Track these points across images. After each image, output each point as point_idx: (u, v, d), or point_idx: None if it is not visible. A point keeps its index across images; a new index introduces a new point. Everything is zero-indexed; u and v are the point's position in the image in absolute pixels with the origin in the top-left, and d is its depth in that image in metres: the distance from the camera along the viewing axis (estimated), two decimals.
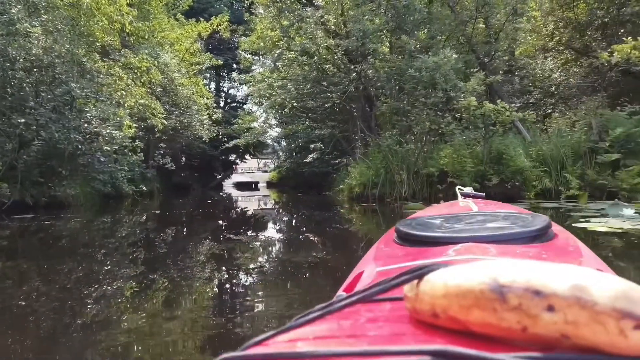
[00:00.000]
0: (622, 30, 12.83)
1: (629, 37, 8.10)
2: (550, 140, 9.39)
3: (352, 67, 10.08)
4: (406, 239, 0.91)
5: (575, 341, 0.30)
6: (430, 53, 8.24)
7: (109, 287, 2.90)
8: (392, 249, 0.91)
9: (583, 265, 0.59)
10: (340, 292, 0.82)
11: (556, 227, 0.95)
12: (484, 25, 11.08)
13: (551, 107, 14.20)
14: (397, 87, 9.53)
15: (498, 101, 8.24)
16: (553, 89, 15.85)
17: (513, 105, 8.23)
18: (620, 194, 7.92)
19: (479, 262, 0.39)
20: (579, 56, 14.85)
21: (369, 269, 0.81)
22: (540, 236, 0.84)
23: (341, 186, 11.62)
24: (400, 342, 0.38)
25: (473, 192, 1.95)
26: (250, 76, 15.22)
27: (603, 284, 0.31)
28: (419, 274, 0.41)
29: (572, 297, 0.31)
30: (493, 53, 11.11)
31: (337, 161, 14.22)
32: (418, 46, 8.55)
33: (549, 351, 0.31)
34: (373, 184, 9.97)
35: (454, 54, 7.86)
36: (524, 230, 0.84)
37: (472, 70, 9.85)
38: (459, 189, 1.89)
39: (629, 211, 4.88)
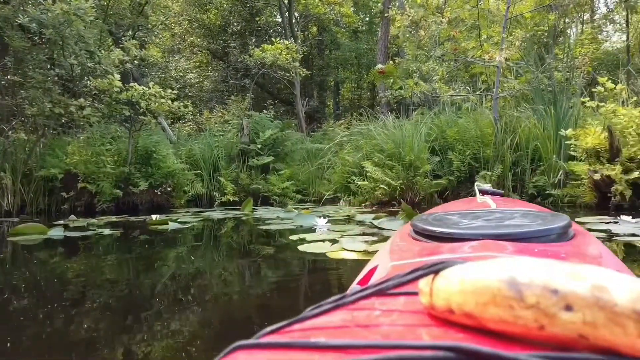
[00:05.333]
0: (253, 39, 13.50)
1: (277, 39, 8.04)
2: (202, 140, 8.39)
3: None
4: (422, 234, 0.88)
5: (593, 342, 0.30)
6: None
7: None
8: (407, 244, 0.88)
9: (603, 266, 0.52)
10: (355, 285, 0.82)
11: (576, 227, 0.91)
12: None
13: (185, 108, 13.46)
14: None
15: (151, 84, 6.52)
16: (187, 90, 15.39)
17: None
18: (273, 198, 7.69)
19: (497, 259, 0.38)
20: (214, 59, 14.92)
21: (384, 263, 0.79)
22: (560, 235, 0.81)
23: None
24: (415, 337, 0.37)
25: (491, 189, 1.73)
26: None
27: (623, 285, 0.30)
28: (435, 269, 0.40)
29: (592, 297, 0.30)
30: (134, 29, 9.22)
31: None
32: None
33: (566, 351, 0.31)
34: None
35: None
36: (543, 228, 0.80)
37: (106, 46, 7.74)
38: (477, 185, 1.73)
39: (322, 221, 4.19)
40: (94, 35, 6.24)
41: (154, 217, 5.06)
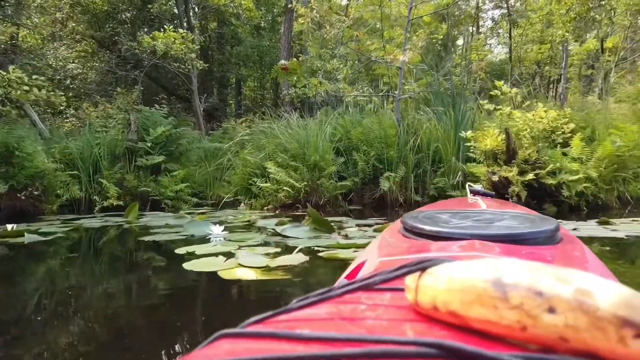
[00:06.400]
0: (146, 29, 12.36)
1: (170, 27, 7.26)
2: (80, 137, 7.35)
3: None
4: (412, 231, 0.88)
5: (574, 345, 0.30)
6: None
7: None
8: (396, 240, 0.89)
9: (588, 271, 0.47)
10: (342, 279, 0.87)
11: (564, 231, 0.91)
12: None
13: (65, 103, 11.94)
14: None
15: (11, 68, 5.44)
16: (69, 81, 13.75)
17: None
18: (164, 202, 6.92)
19: (484, 260, 0.38)
20: (100, 48, 13.43)
21: (372, 258, 0.79)
22: (547, 239, 0.81)
23: None
24: (398, 332, 0.37)
25: (483, 190, 1.78)
26: None
27: (606, 291, 0.31)
28: (422, 266, 0.41)
29: (575, 301, 0.30)
30: None
31: None
32: None
33: (547, 353, 0.31)
34: None
35: None
36: (531, 231, 0.80)
37: None
38: (469, 185, 1.77)
39: (218, 229, 3.65)
40: None
41: (9, 227, 4.14)
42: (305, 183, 6.30)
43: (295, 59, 8.62)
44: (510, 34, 15.49)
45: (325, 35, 7.56)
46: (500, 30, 18.45)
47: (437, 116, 7.07)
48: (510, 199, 5.35)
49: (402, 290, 0.44)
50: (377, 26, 8.49)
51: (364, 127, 6.90)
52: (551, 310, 0.31)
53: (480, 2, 17.52)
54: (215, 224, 3.76)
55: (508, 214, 1.04)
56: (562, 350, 0.31)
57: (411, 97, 7.90)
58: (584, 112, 6.50)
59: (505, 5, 17.08)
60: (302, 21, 8.00)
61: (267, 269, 2.24)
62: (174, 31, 7.73)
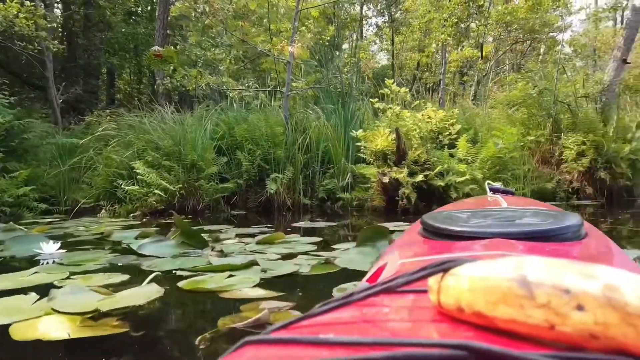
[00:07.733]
0: None
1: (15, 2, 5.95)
2: None
3: None
4: (432, 232, 0.86)
5: (605, 342, 0.29)
6: None
7: None
8: (417, 242, 0.88)
9: (615, 266, 0.49)
10: (363, 283, 0.83)
11: (588, 226, 0.89)
12: None
13: None
14: None
15: None
16: None
17: None
18: (1, 210, 5.63)
19: (508, 258, 0.37)
20: None
21: (393, 261, 0.78)
22: (571, 234, 0.78)
23: None
24: (424, 334, 0.37)
25: (502, 187, 1.69)
26: None
27: (635, 285, 0.30)
28: (445, 267, 0.40)
29: (603, 297, 0.29)
30: None
31: None
32: None
33: (576, 351, 0.30)
34: None
35: None
36: (554, 227, 0.77)
37: None
38: (488, 183, 1.71)
39: (51, 247, 2.78)
40: None
41: None
42: (181, 185, 5.53)
43: (171, 47, 7.72)
44: (392, 40, 15.99)
45: (206, 21, 6.82)
46: (384, 36, 19.06)
47: (326, 115, 6.73)
48: (400, 201, 5.15)
49: (425, 292, 0.43)
50: (264, 21, 7.95)
51: (249, 124, 6.30)
52: (579, 307, 0.30)
53: (365, 8, 17.92)
54: (49, 239, 2.89)
55: (530, 210, 1.01)
56: (592, 348, 0.30)
57: (299, 93, 7.48)
58: (467, 115, 6.62)
59: (387, 13, 17.67)
60: (180, 5, 7.17)
61: (94, 315, 1.51)
62: (19, 3, 6.38)
